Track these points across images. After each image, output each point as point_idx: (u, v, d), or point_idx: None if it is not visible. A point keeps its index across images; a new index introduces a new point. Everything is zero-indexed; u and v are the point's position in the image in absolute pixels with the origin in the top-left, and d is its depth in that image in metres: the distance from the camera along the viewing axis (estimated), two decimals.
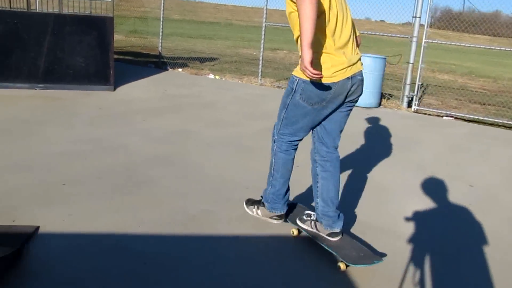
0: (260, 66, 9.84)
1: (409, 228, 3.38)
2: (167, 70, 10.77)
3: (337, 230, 2.66)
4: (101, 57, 8.43)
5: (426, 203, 3.86)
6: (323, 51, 2.31)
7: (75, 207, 3.43)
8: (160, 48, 11.29)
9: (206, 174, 4.24)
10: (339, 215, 2.67)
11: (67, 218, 3.26)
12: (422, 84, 9.21)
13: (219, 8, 39.16)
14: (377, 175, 4.45)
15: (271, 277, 2.62)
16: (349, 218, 3.38)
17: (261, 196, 2.95)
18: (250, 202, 3.05)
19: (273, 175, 2.75)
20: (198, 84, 9.13)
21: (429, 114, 7.91)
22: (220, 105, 7.35)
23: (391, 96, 8.88)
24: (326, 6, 2.25)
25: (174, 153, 4.62)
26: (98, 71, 8.15)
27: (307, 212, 2.85)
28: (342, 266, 2.57)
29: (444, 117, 7.56)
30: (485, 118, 7.46)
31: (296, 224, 2.83)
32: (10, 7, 10.39)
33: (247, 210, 3.04)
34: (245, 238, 3.10)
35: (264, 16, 9.31)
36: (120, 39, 16.03)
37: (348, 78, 2.35)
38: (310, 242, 2.90)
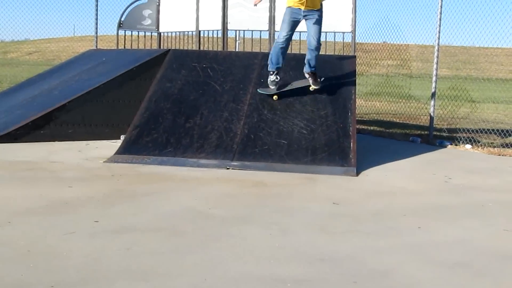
0: None
1: None
2: (445, 147, 10.16)
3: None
4: (335, 120, 8.16)
5: None
6: None
7: None
8: (432, 111, 10.72)
9: None
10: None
11: None
12: None
13: None
14: None
15: None
16: None
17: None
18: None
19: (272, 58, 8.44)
20: (507, 171, 8.34)
21: None
22: None
23: None
24: None
25: None
26: (329, 143, 7.81)
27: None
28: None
29: None
30: None
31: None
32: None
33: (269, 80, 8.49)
34: None
35: None
36: (359, 104, 15.98)
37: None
38: None
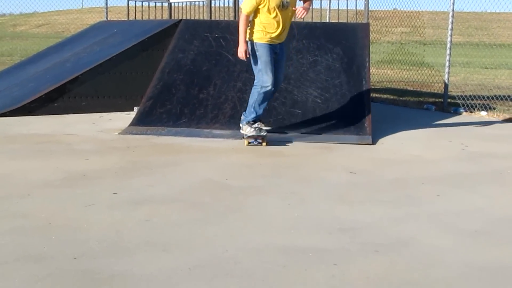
0: None
1: None
2: (460, 114, 10.12)
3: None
4: (350, 89, 8.15)
5: None
6: None
7: None
8: (447, 78, 10.66)
9: None
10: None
11: None
12: None
13: None
14: None
15: None
16: None
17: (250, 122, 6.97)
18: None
19: (255, 106, 6.96)
20: None
21: None
22: None
23: None
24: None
25: None
26: (344, 112, 7.80)
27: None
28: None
29: None
30: None
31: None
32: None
33: (245, 132, 7.00)
34: None
35: None
36: (371, 72, 15.92)
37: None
38: None
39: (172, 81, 8.19)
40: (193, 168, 5.94)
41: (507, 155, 6.91)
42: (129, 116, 8.16)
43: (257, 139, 6.88)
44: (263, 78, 6.77)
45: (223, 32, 8.97)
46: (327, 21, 10.86)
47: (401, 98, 11.98)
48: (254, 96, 6.88)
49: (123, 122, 7.97)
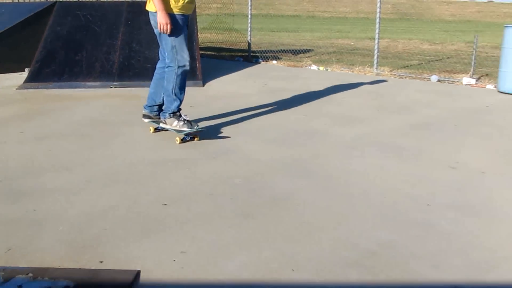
0: (376, 54, 9.07)
1: None
2: (259, 63, 10.38)
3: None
4: None
5: None
6: None
7: (187, 238, 2.61)
8: (249, 38, 10.85)
9: (361, 186, 3.42)
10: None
11: (179, 257, 2.40)
12: None
13: None
14: None
15: None
16: None
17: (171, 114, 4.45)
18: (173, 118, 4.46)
19: (176, 91, 4.40)
20: (300, 77, 8.66)
21: None
22: (338, 98, 6.65)
23: None
24: None
25: (305, 158, 4.06)
26: None
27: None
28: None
29: None
30: None
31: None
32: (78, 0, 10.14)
33: (172, 127, 4.44)
34: None
35: (379, 4, 9.15)
36: (199, 36, 15.86)
37: None
38: None
39: (54, 48, 7.67)
40: (78, 110, 5.70)
41: (292, 89, 7.23)
42: (22, 76, 7.59)
43: (190, 134, 4.44)
44: (178, 57, 4.26)
45: (89, 10, 8.50)
46: None
47: (219, 54, 12.04)
48: (172, 79, 4.32)
49: (18, 80, 7.40)
